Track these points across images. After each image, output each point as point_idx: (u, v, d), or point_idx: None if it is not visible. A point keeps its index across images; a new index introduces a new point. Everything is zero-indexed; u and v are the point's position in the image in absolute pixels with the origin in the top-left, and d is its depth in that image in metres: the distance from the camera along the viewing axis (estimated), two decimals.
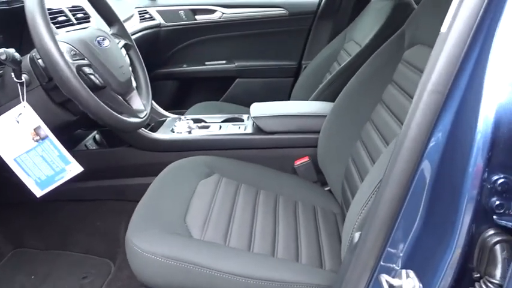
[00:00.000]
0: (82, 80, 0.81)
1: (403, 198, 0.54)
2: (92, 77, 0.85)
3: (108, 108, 0.82)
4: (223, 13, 2.12)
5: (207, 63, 2.19)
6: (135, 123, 0.91)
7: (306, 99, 1.86)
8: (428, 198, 0.52)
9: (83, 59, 0.85)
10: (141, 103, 1.01)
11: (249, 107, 2.04)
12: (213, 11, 2.11)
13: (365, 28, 1.63)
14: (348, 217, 0.78)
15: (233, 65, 2.16)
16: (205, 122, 1.48)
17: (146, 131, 1.31)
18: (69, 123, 0.93)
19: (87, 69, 0.84)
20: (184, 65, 2.19)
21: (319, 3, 2.08)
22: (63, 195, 1.29)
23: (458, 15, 0.50)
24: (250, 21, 2.12)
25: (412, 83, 0.95)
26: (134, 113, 0.94)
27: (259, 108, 1.37)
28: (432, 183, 0.51)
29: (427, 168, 0.52)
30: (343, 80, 1.47)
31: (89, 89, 0.79)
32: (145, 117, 0.98)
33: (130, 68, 1.07)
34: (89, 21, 1.38)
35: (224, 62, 2.19)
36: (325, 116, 1.26)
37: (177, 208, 0.99)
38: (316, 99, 1.51)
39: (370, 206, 0.64)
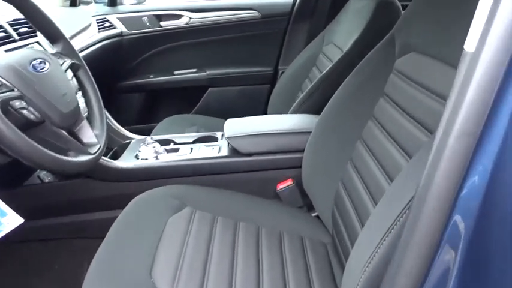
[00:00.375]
0: (11, 117, 0.65)
1: (426, 269, 0.42)
2: (24, 112, 0.69)
3: (43, 150, 0.67)
4: (190, 18, 1.97)
5: (175, 72, 2.03)
6: (83, 163, 0.76)
7: (285, 107, 1.74)
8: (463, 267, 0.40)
9: (12, 91, 0.69)
10: (93, 135, 0.85)
11: (224, 117, 1.91)
12: (179, 16, 1.96)
13: (345, 30, 1.51)
14: (348, 272, 0.65)
15: (204, 74, 2.02)
16: (175, 143, 1.33)
17: (106, 159, 1.16)
18: (3, 166, 0.77)
19: (17, 103, 0.68)
20: (151, 76, 2.03)
21: (293, 4, 1.95)
22: (16, 236, 1.13)
23: (492, 30, 0.37)
24: (221, 25, 1.98)
25: (407, 96, 0.83)
26: (83, 149, 0.79)
27: (233, 127, 1.23)
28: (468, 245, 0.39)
29: (460, 224, 0.40)
30: (325, 89, 1.35)
31: (16, 129, 0.63)
32: (98, 152, 0.82)
33: (79, 93, 0.91)
34: (35, 36, 1.21)
35: (194, 70, 2.04)
36: (309, 132, 1.13)
37: (141, 258, 0.84)
38: (297, 111, 1.38)
39: (383, 272, 0.51)
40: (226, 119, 1.91)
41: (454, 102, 0.39)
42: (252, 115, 2.03)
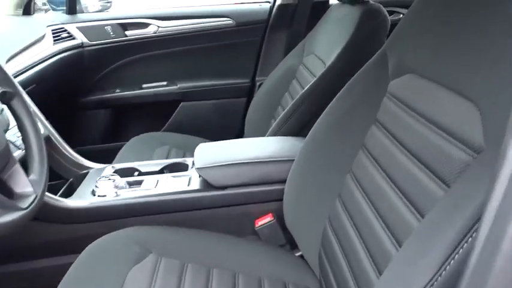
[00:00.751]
0: None
1: None
2: None
3: None
4: (159, 27, 1.82)
5: (144, 86, 1.88)
6: (8, 224, 0.61)
7: (263, 123, 1.61)
8: None
9: None
10: (27, 182, 0.70)
11: (198, 134, 1.78)
12: (146, 25, 1.81)
13: (326, 41, 1.39)
14: None
15: (175, 87, 1.87)
16: (140, 172, 1.18)
17: (56, 197, 1.00)
18: None
19: None
20: (117, 90, 1.87)
21: (270, 12, 1.83)
22: None
23: None
24: (192, 34, 1.84)
25: (403, 125, 0.71)
26: (11, 204, 0.64)
27: (205, 155, 1.09)
28: None
29: None
30: (308, 108, 1.23)
31: None
32: (33, 205, 0.67)
33: (10, 130, 0.76)
34: None
35: (165, 83, 1.89)
36: (292, 160, 1.00)
37: None
38: (276, 132, 1.25)
39: None
40: (200, 135, 1.79)
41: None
42: (228, 131, 1.93)
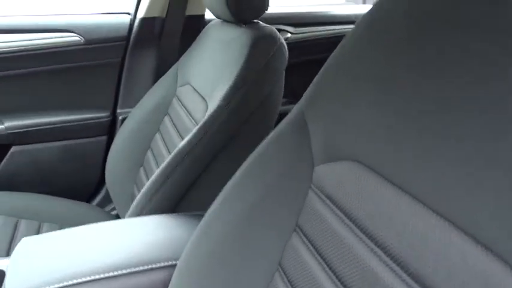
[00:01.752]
0: None
1: None
2: None
3: None
4: None
5: None
6: None
7: (130, 171, 1.26)
8: None
9: None
10: None
11: (40, 191, 1.34)
12: None
13: (207, 70, 1.08)
14: None
15: (4, 126, 1.38)
16: None
17: None
18: None
19: None
20: None
21: (131, 26, 1.45)
22: None
23: None
24: (25, 54, 1.37)
25: (336, 240, 0.45)
26: None
27: (26, 265, 0.69)
28: None
29: None
30: (188, 170, 0.90)
31: None
32: None
33: None
34: None
35: None
36: (170, 266, 0.67)
37: None
38: (145, 205, 0.90)
39: None
40: (42, 192, 1.34)
41: None
42: (81, 185, 1.49)
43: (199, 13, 1.49)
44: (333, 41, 1.70)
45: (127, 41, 1.44)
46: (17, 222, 1.13)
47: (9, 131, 1.38)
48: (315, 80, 0.54)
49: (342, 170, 0.47)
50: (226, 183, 0.63)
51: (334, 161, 0.48)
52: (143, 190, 0.91)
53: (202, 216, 0.66)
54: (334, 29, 1.72)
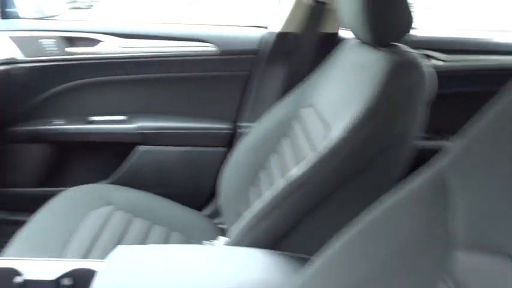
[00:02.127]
0: None
1: None
2: None
3: None
4: (117, 45, 1.42)
5: (91, 119, 1.47)
6: None
7: (242, 188, 1.22)
8: None
9: None
10: None
11: (156, 191, 1.37)
12: (96, 42, 1.40)
13: (334, 93, 0.99)
14: None
15: (133, 126, 1.46)
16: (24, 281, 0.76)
17: None
18: None
19: None
20: (56, 121, 1.47)
21: (263, 39, 1.42)
22: None
23: None
24: (160, 59, 1.44)
25: None
26: None
27: (117, 272, 0.67)
28: None
29: None
30: (299, 202, 0.81)
31: None
32: None
33: None
34: None
35: (120, 119, 1.48)
36: None
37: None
38: (245, 235, 0.83)
39: None
40: (159, 192, 1.37)
41: None
42: (197, 190, 1.51)
43: (334, 31, 1.40)
44: (497, 73, 1.46)
45: (258, 55, 1.42)
46: (131, 219, 1.16)
47: (136, 131, 1.45)
48: (465, 133, 0.41)
49: (493, 266, 0.33)
50: (336, 228, 0.53)
51: (484, 252, 0.34)
52: (249, 216, 0.84)
53: (305, 260, 0.57)
54: (498, 60, 1.47)
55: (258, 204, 0.84)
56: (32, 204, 1.22)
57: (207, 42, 1.42)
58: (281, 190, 0.81)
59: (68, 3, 1.73)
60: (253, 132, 1.26)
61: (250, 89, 1.45)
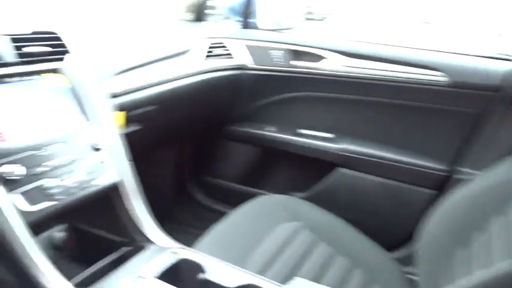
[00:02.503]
0: None
1: None
2: None
3: None
4: (341, 64, 1.39)
5: (299, 131, 1.49)
6: None
7: (443, 254, 1.03)
8: None
9: None
10: None
11: (345, 217, 1.30)
12: (320, 57, 1.40)
13: None
14: None
15: (337, 146, 1.42)
16: (205, 280, 0.80)
17: None
18: None
19: None
20: (268, 128, 1.54)
21: (510, 75, 1.18)
22: None
23: None
24: (382, 83, 1.35)
25: None
26: None
27: None
28: None
29: None
30: None
31: None
32: None
33: None
34: (48, 61, 0.84)
35: (330, 136, 1.45)
36: None
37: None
38: None
39: None
40: (349, 219, 1.30)
41: None
42: (392, 226, 1.37)
43: None
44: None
45: (499, 92, 1.19)
46: (315, 242, 1.12)
47: (340, 152, 1.40)
48: None
49: None
50: None
51: None
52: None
53: None
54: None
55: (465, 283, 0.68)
56: (233, 199, 1.31)
57: (437, 71, 1.26)
58: (492, 277, 0.64)
59: (304, 14, 1.80)
60: (476, 183, 1.05)
61: (482, 130, 1.23)
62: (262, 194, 1.53)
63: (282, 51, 1.45)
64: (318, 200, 1.40)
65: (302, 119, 1.49)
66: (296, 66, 1.43)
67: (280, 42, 1.45)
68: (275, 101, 1.51)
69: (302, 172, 1.53)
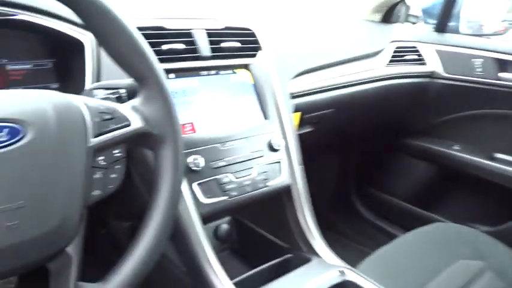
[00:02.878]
0: None
1: None
2: None
3: None
4: None
5: (498, 156, 1.27)
6: None
7: None
8: None
9: None
10: None
11: None
12: None
13: None
14: None
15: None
16: None
17: None
18: None
19: None
20: (453, 146, 1.36)
21: None
22: None
23: None
24: None
25: None
26: None
27: None
28: None
29: None
30: None
31: None
32: None
33: None
34: (240, 56, 0.85)
35: None
36: None
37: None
38: None
39: None
40: None
41: None
42: None
43: None
44: None
45: None
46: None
47: None
48: None
49: None
50: None
51: None
52: None
53: None
54: None
55: None
56: (398, 218, 1.19)
57: None
58: None
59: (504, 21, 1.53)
60: None
61: None
62: (433, 218, 1.36)
63: (485, 60, 1.24)
64: (507, 238, 1.18)
65: (502, 142, 1.27)
66: (507, 79, 1.21)
67: (487, 50, 1.24)
68: (468, 116, 1.32)
69: (489, 201, 1.31)
